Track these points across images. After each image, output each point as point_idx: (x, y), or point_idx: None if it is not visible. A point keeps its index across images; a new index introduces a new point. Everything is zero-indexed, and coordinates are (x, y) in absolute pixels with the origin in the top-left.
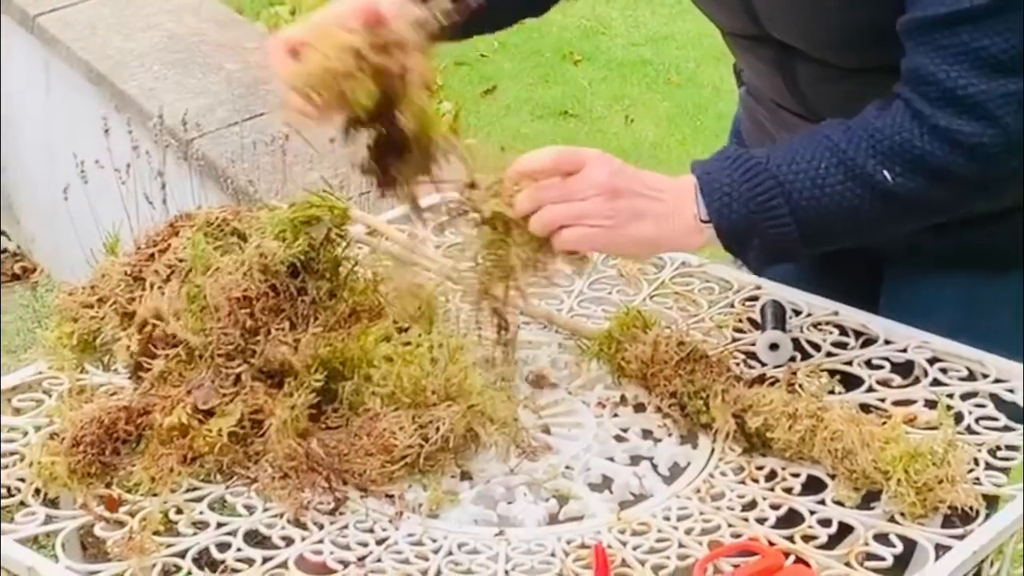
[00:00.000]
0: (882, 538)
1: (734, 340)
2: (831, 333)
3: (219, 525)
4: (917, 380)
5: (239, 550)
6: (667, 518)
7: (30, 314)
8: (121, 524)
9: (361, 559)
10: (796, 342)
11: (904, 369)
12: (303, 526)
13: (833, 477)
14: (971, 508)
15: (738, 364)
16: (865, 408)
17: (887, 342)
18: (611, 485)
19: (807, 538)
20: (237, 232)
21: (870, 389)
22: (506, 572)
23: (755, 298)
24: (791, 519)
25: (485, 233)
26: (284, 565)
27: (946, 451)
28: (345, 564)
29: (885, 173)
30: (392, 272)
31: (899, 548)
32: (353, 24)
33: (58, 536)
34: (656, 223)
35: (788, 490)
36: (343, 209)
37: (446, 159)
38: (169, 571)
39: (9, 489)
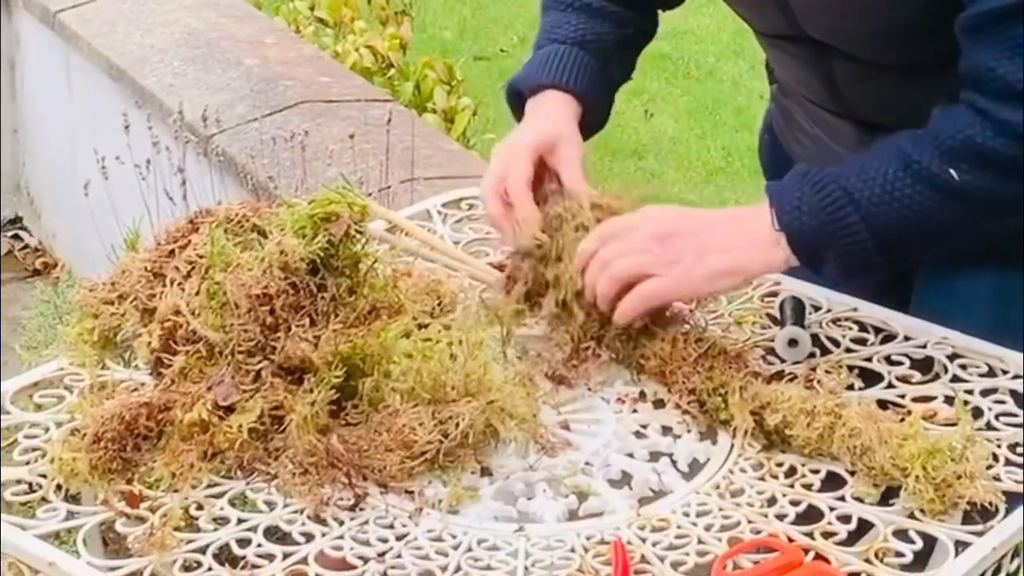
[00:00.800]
0: (902, 534)
1: (753, 336)
2: (850, 329)
3: (240, 521)
4: (937, 376)
5: (259, 546)
6: (687, 514)
7: (51, 310)
8: (142, 520)
9: (381, 555)
10: (815, 338)
11: (924, 365)
12: (323, 522)
13: (853, 474)
14: (991, 504)
15: (757, 360)
16: (884, 405)
17: (907, 338)
18: (631, 481)
19: (827, 534)
20: (257, 228)
21: (890, 385)
22: (526, 568)
23: (774, 294)
24: (811, 515)
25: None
26: (304, 561)
27: (964, 447)
28: (365, 560)
29: (952, 172)
30: (413, 268)
31: (919, 544)
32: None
33: (79, 532)
34: (726, 252)
35: (808, 486)
36: (362, 205)
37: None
38: (190, 567)
39: (31, 485)
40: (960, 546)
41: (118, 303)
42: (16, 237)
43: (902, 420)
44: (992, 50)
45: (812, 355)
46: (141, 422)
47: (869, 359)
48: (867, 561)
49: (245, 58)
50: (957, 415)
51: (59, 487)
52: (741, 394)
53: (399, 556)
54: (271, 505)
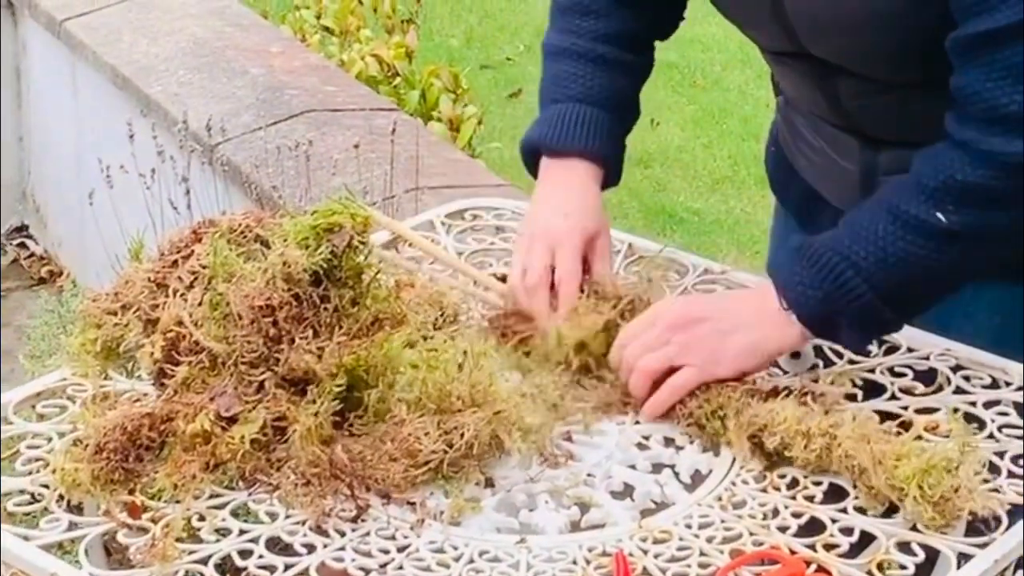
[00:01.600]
0: (904, 547)
1: None
2: None
3: (241, 532)
4: (940, 388)
5: (261, 557)
6: (688, 526)
7: (56, 319)
8: (144, 531)
9: (383, 566)
10: (818, 349)
11: (927, 377)
12: (325, 533)
13: (855, 486)
14: (993, 516)
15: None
16: (889, 416)
17: (910, 350)
18: (633, 493)
19: (829, 547)
20: (260, 239)
21: (893, 397)
22: None
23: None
24: (813, 527)
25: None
26: (306, 572)
27: (959, 458)
28: (367, 572)
29: (938, 215)
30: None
31: (921, 557)
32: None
33: (82, 542)
34: (748, 331)
35: (810, 498)
36: (365, 216)
37: None
38: None
39: (33, 495)
40: (963, 558)
41: (121, 313)
42: (22, 245)
43: (898, 434)
44: (979, 72)
45: (815, 366)
46: (143, 433)
47: (872, 370)
48: (869, 573)
49: (250, 67)
50: (950, 425)
51: (61, 497)
52: (738, 418)
53: (401, 568)
54: (273, 516)
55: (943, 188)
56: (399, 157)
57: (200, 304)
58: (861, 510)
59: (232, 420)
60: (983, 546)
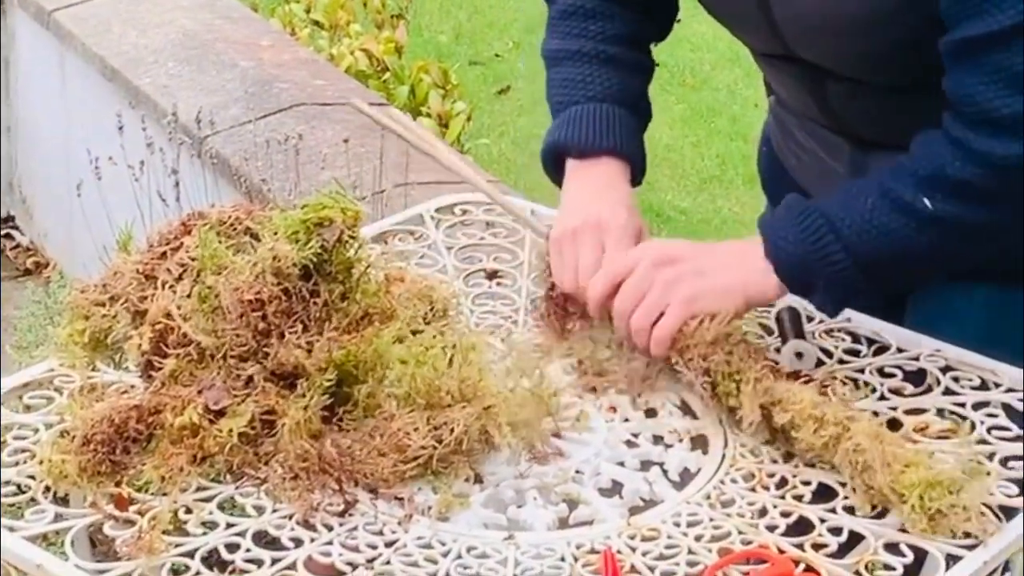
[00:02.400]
0: (892, 547)
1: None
2: (843, 340)
3: (228, 525)
4: (930, 389)
5: (248, 551)
6: (677, 524)
7: (42, 310)
8: (130, 523)
9: (370, 561)
10: (825, 351)
11: (916, 378)
12: (312, 528)
13: (844, 485)
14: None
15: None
16: (892, 424)
17: (900, 350)
18: (621, 490)
19: (817, 546)
20: (250, 232)
21: (882, 397)
22: None
23: (770, 305)
24: (801, 527)
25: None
26: (293, 566)
27: (967, 481)
28: (354, 566)
29: (926, 201)
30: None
31: (909, 558)
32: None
33: (67, 534)
34: (726, 273)
35: (799, 498)
36: (355, 211)
37: None
38: (178, 570)
39: (19, 486)
40: (951, 560)
41: (109, 305)
42: (8, 236)
43: (915, 443)
44: (971, 76)
45: (820, 364)
46: (131, 425)
47: (862, 370)
48: (857, 573)
49: (240, 60)
50: (962, 444)
51: (48, 489)
52: (755, 385)
53: (388, 563)
54: (260, 510)
55: (933, 178)
56: (388, 152)
57: (189, 296)
58: (850, 510)
59: (220, 413)
60: (972, 548)
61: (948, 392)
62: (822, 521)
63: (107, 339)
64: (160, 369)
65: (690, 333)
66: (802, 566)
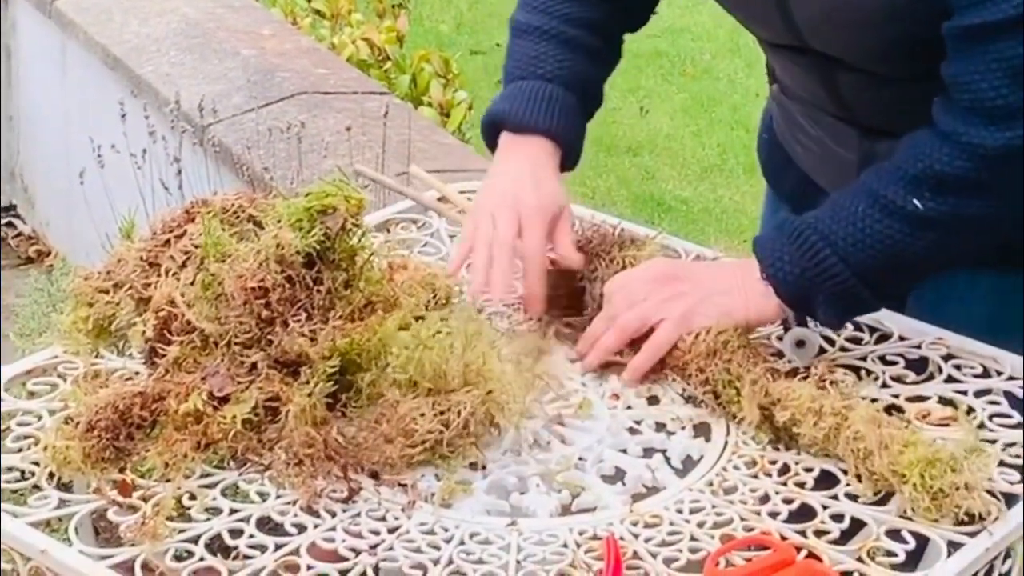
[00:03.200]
0: (894, 534)
1: (757, 335)
2: (845, 328)
3: (232, 511)
4: (931, 377)
5: (251, 536)
6: (679, 511)
7: (45, 298)
8: (134, 509)
9: (373, 547)
10: (826, 338)
11: (918, 365)
12: (316, 514)
13: (846, 472)
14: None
15: (771, 356)
16: (889, 410)
17: (902, 338)
18: (624, 477)
19: (819, 533)
20: (253, 219)
21: (884, 385)
22: (518, 562)
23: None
24: (804, 514)
25: None
26: (296, 552)
27: (964, 458)
28: (357, 552)
29: (915, 201)
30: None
31: (911, 544)
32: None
33: (71, 520)
34: (725, 297)
35: (801, 485)
36: (359, 199)
37: None
38: (181, 556)
39: (23, 472)
40: (952, 547)
41: (113, 292)
42: (10, 225)
43: (908, 425)
44: (970, 63)
45: (822, 352)
46: (135, 411)
47: (864, 358)
48: (859, 560)
49: (242, 49)
50: (961, 424)
51: (51, 475)
52: (752, 387)
53: (391, 549)
54: (263, 496)
55: (921, 176)
56: (390, 141)
57: (192, 283)
58: (852, 497)
59: (224, 400)
60: (973, 535)
61: (950, 380)
62: (824, 508)
63: (111, 326)
64: (164, 356)
65: (687, 348)
66: (804, 552)
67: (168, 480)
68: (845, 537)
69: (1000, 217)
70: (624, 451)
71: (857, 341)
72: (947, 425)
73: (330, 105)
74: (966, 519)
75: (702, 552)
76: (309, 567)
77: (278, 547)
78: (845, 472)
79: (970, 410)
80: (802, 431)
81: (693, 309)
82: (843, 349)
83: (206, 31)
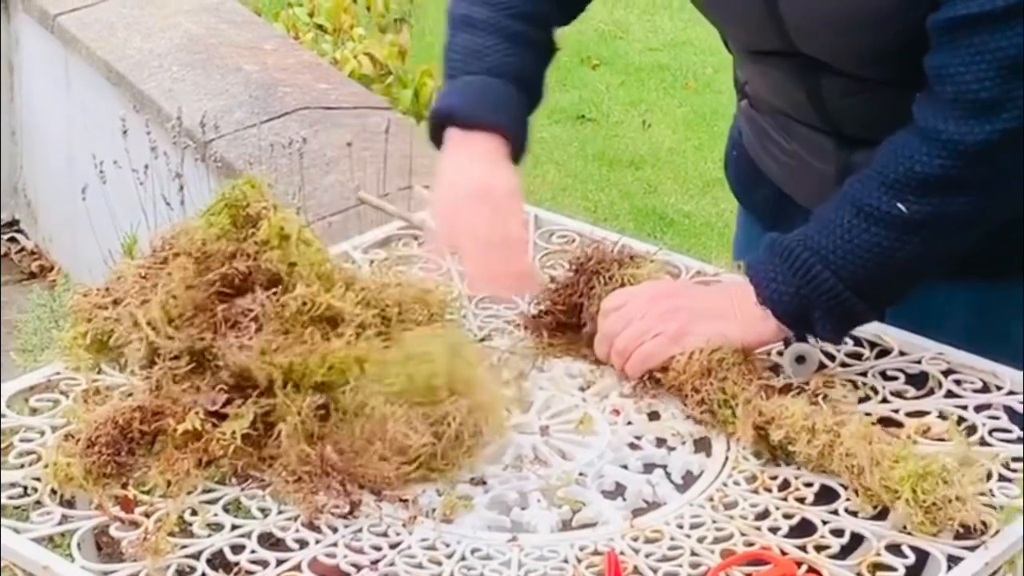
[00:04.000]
0: (894, 549)
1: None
2: (845, 344)
3: (233, 527)
4: (931, 392)
5: (253, 552)
6: (680, 526)
7: (47, 313)
8: (136, 525)
9: (374, 563)
10: (827, 354)
11: (918, 381)
12: (317, 529)
13: (846, 488)
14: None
15: (767, 372)
16: (885, 421)
17: (902, 353)
18: (624, 492)
19: (819, 548)
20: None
21: (884, 400)
22: None
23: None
24: (804, 529)
25: None
26: (298, 568)
27: (957, 470)
28: (358, 568)
29: (899, 205)
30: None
31: (911, 559)
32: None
33: (73, 536)
34: (720, 320)
35: (801, 500)
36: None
37: None
38: (183, 572)
39: (25, 488)
40: (953, 561)
41: (111, 308)
42: (13, 240)
43: (900, 438)
44: (954, 56)
45: (822, 367)
46: (135, 426)
47: (864, 374)
48: (859, 575)
49: (244, 64)
50: (951, 436)
51: (54, 491)
52: (746, 407)
53: (392, 564)
54: (265, 512)
55: (903, 179)
56: (392, 156)
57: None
58: (852, 512)
59: (222, 416)
60: (973, 549)
61: (950, 395)
62: (824, 523)
63: (110, 342)
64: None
65: (681, 369)
66: (804, 567)
67: (170, 497)
68: (845, 552)
69: (987, 214)
70: (625, 466)
71: (857, 356)
72: (947, 440)
73: (332, 120)
74: (962, 531)
75: (703, 567)
76: None
77: (280, 562)
78: (845, 487)
79: (970, 426)
80: (797, 449)
81: (686, 329)
82: (843, 364)
83: (208, 46)
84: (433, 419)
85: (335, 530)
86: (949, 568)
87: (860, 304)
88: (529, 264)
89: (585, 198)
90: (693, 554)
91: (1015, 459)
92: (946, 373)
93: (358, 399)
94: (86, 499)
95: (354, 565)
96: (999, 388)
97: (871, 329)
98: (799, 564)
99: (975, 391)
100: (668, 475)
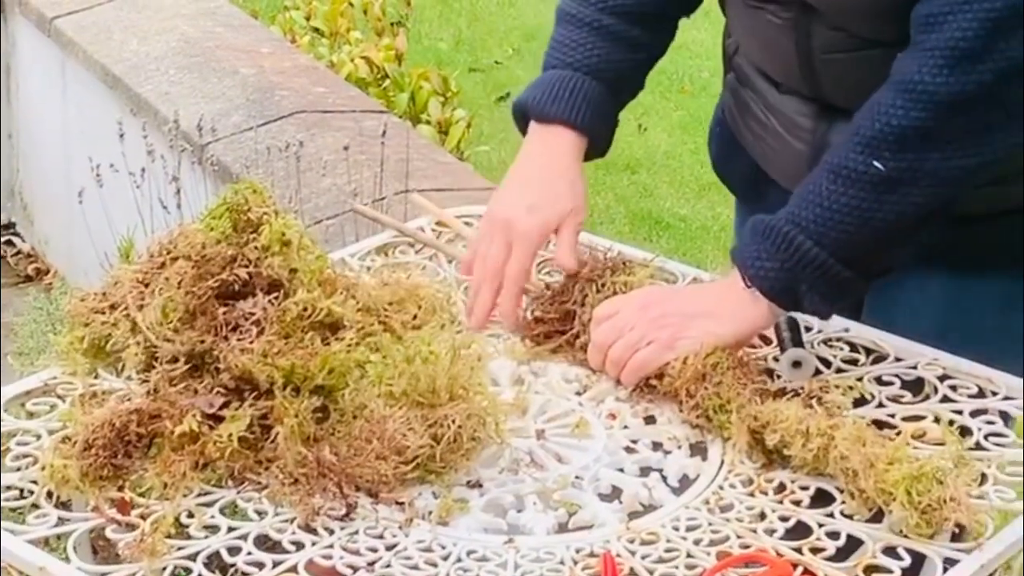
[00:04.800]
0: (890, 551)
1: (744, 356)
2: (842, 349)
3: (230, 529)
4: (927, 397)
5: (249, 554)
6: (676, 528)
7: (44, 317)
8: (132, 527)
9: (371, 564)
10: (822, 360)
11: (914, 386)
12: (313, 531)
13: (842, 491)
14: (979, 524)
15: (762, 377)
16: (879, 425)
17: (897, 359)
18: (620, 495)
19: (815, 550)
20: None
21: (880, 405)
22: None
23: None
24: (800, 531)
25: None
26: (294, 570)
27: (951, 470)
28: (355, 569)
29: (876, 164)
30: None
31: (907, 561)
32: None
33: (70, 538)
34: (711, 318)
35: (797, 502)
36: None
37: None
38: (179, 574)
39: (22, 491)
40: (949, 563)
41: (108, 312)
42: (9, 243)
43: (891, 441)
44: (943, 3)
45: (818, 373)
46: (132, 429)
47: (860, 379)
48: None
49: (241, 67)
50: (944, 438)
51: (50, 494)
52: (740, 413)
53: (389, 566)
54: (261, 514)
55: (880, 135)
56: (389, 159)
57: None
58: (848, 515)
59: (218, 418)
60: (969, 551)
61: (946, 400)
62: (820, 525)
63: (107, 346)
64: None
65: (676, 374)
66: (800, 569)
67: (167, 499)
68: (841, 554)
69: (964, 173)
70: (621, 470)
71: (853, 362)
72: (943, 444)
73: (328, 124)
74: (958, 533)
75: (698, 569)
76: None
77: (276, 564)
78: (840, 490)
79: (967, 430)
80: (792, 452)
81: (678, 334)
82: (839, 370)
83: (205, 50)
84: (432, 421)
85: (331, 532)
86: (945, 571)
87: (845, 271)
88: (505, 304)
89: None
90: (689, 556)
91: (1011, 463)
92: (942, 378)
93: (357, 400)
94: (82, 501)
95: (350, 567)
96: (995, 393)
97: (867, 335)
98: (795, 566)
99: (971, 396)
100: (664, 478)
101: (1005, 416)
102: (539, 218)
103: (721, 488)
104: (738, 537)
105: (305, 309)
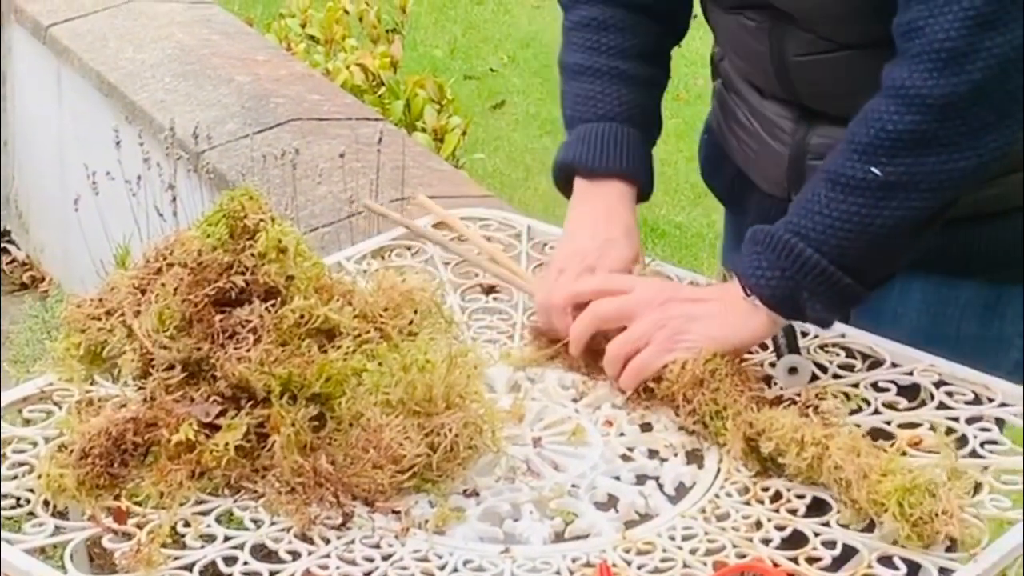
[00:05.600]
0: (886, 561)
1: (742, 362)
2: (838, 355)
3: (226, 539)
4: (923, 403)
5: (246, 564)
6: (672, 537)
7: (39, 324)
8: (129, 536)
9: (367, 574)
10: (818, 365)
11: (910, 392)
12: (309, 540)
13: (839, 500)
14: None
15: (759, 383)
16: (872, 432)
17: (894, 365)
18: (617, 504)
19: (811, 559)
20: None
21: (876, 412)
22: None
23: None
24: (796, 540)
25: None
26: None
27: (944, 483)
28: None
29: (873, 170)
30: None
31: (903, 571)
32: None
33: (66, 547)
34: (712, 322)
35: (793, 511)
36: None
37: None
38: None
39: (19, 500)
40: (944, 573)
41: (105, 319)
42: (4, 251)
43: (888, 450)
44: (923, 8)
45: (815, 379)
46: (128, 437)
47: (856, 385)
48: None
49: (236, 75)
50: (939, 448)
51: (47, 502)
52: (735, 420)
53: (385, 575)
54: (258, 523)
55: (875, 141)
56: (384, 167)
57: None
58: (844, 524)
59: (215, 427)
60: (965, 561)
61: (942, 406)
62: (816, 535)
63: (103, 352)
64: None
65: (674, 378)
66: None
67: (163, 508)
68: (837, 564)
69: (960, 176)
70: (617, 478)
71: (850, 368)
72: (939, 452)
73: (324, 131)
74: (951, 543)
75: None
76: None
77: (272, 574)
78: (840, 499)
79: (962, 438)
80: (787, 461)
81: (678, 335)
82: (835, 376)
83: (200, 57)
84: (428, 429)
85: (328, 541)
86: None
87: (846, 279)
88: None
89: None
90: (685, 566)
91: (1007, 471)
92: (938, 385)
93: (354, 408)
94: (79, 510)
95: None
96: (991, 400)
97: (863, 340)
98: (790, 575)
99: (967, 403)
100: (660, 487)
101: (1000, 423)
102: (616, 251)
103: (717, 496)
104: (734, 546)
105: (302, 316)
